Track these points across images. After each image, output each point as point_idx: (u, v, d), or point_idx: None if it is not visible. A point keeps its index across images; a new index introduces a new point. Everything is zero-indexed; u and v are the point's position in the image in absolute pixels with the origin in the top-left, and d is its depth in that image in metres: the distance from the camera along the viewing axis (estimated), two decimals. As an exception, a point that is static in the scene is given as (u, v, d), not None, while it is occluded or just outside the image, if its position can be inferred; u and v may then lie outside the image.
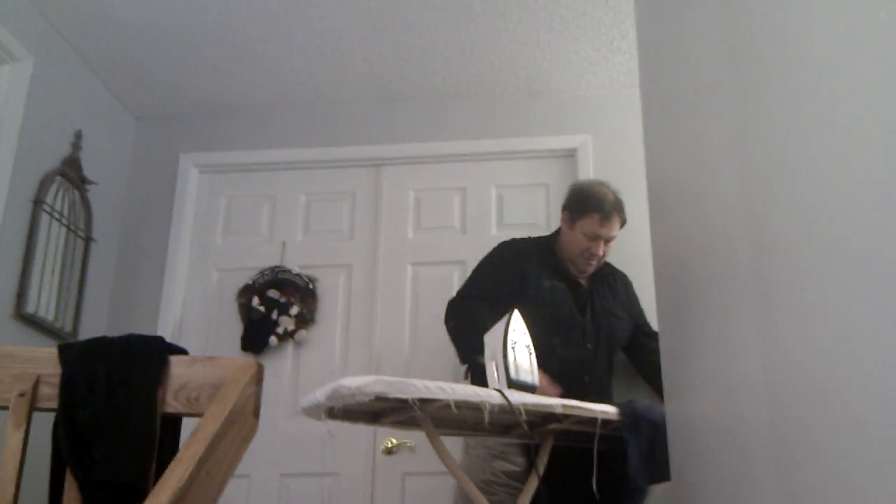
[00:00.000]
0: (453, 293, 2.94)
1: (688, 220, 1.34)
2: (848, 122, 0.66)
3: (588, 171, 3.01)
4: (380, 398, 1.55)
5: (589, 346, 2.36)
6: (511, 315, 1.88)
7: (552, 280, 2.39)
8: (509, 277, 2.37)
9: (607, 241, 2.42)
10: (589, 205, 2.42)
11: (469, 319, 2.26)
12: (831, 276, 0.70)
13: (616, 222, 2.42)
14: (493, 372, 1.83)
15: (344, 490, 2.79)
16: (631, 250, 2.56)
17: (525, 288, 2.35)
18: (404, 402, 1.57)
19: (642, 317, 2.58)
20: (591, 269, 2.45)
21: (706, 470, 1.21)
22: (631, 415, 1.94)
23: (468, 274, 2.91)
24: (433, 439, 1.70)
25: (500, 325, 1.87)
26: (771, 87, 0.88)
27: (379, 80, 3.14)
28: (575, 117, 3.16)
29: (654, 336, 2.46)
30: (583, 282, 2.48)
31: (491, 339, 1.89)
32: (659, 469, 1.82)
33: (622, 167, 2.93)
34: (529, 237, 2.59)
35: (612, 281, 2.54)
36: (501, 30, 2.82)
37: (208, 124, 3.35)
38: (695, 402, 1.30)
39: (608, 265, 2.57)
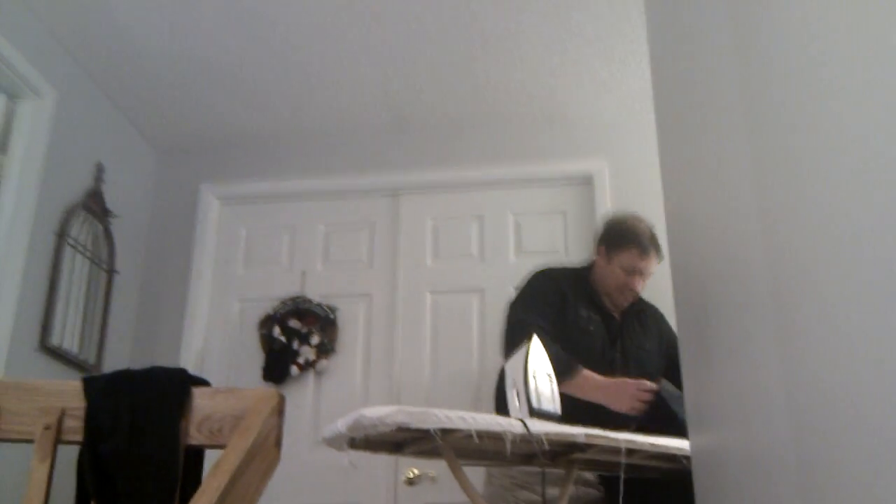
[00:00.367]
0: (473, 321, 2.93)
1: (706, 247, 1.33)
2: (869, 148, 0.66)
3: (605, 196, 3.02)
4: (401, 428, 1.55)
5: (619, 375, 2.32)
6: (530, 343, 1.87)
7: (588, 311, 2.39)
8: (552, 302, 2.36)
9: (644, 275, 2.42)
10: (627, 239, 2.42)
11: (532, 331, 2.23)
12: (853, 300, 0.69)
13: (654, 257, 2.42)
14: (514, 401, 1.82)
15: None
16: (652, 279, 2.54)
17: (564, 314, 2.34)
18: (426, 432, 1.56)
19: (675, 348, 2.54)
20: (626, 304, 2.45)
21: (730, 502, 1.19)
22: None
23: (487, 301, 2.90)
24: (455, 470, 1.68)
25: (520, 354, 1.86)
26: (786, 109, 0.88)
27: (396, 107, 3.17)
28: (591, 141, 3.17)
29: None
30: (615, 315, 2.47)
31: (511, 367, 1.88)
32: None
33: (639, 191, 2.93)
34: (564, 267, 2.58)
35: (642, 316, 2.53)
36: (516, 57, 2.84)
37: (228, 155, 3.40)
38: (718, 433, 1.28)
39: (640, 299, 2.55)
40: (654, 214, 2.39)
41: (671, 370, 2.46)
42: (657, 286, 2.42)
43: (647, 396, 2.13)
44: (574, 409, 2.04)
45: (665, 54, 1.69)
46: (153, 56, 2.84)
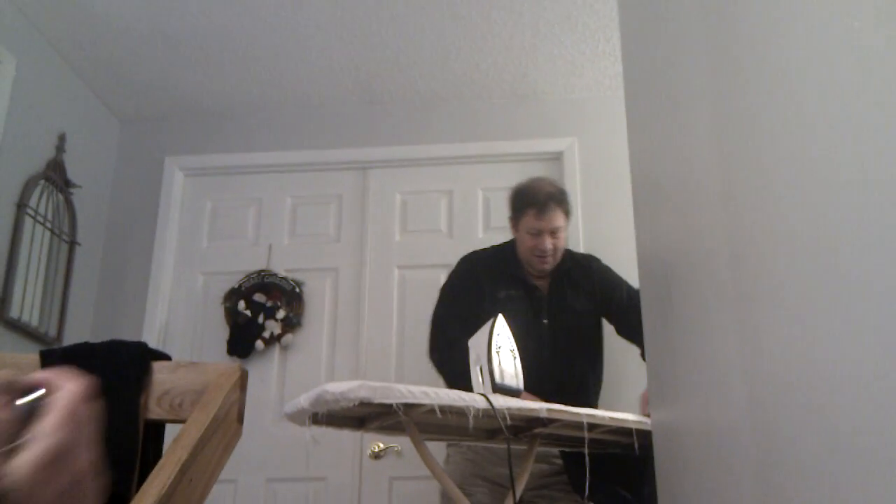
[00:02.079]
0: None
1: (671, 224, 1.33)
2: (830, 127, 0.67)
3: (574, 174, 3.03)
4: (364, 403, 1.55)
5: (546, 353, 2.31)
6: (495, 320, 1.88)
7: (507, 290, 2.35)
8: (468, 295, 2.34)
9: (552, 233, 2.34)
10: (524, 201, 2.37)
11: (455, 357, 2.14)
12: (809, 284, 0.71)
13: (556, 213, 2.34)
14: (477, 376, 1.83)
15: (331, 494, 2.79)
16: (618, 254, 2.56)
17: (482, 302, 2.31)
18: (389, 407, 1.57)
19: (613, 295, 2.47)
20: (547, 267, 2.38)
21: (689, 476, 1.20)
22: None
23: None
24: (418, 444, 1.70)
25: (484, 330, 1.87)
26: (751, 89, 0.89)
27: (365, 82, 3.14)
28: (561, 120, 3.17)
29: (626, 315, 2.41)
30: (541, 284, 2.42)
31: (475, 343, 1.89)
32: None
33: (609, 170, 2.94)
34: (491, 246, 2.55)
35: (573, 273, 2.46)
36: (487, 33, 2.82)
37: (194, 127, 3.34)
38: (678, 408, 1.30)
39: (569, 256, 2.48)
40: (623, 192, 2.39)
41: (618, 314, 2.44)
42: (626, 259, 2.44)
43: None
44: (537, 385, 2.06)
45: (636, 33, 1.69)
46: (118, 26, 2.77)
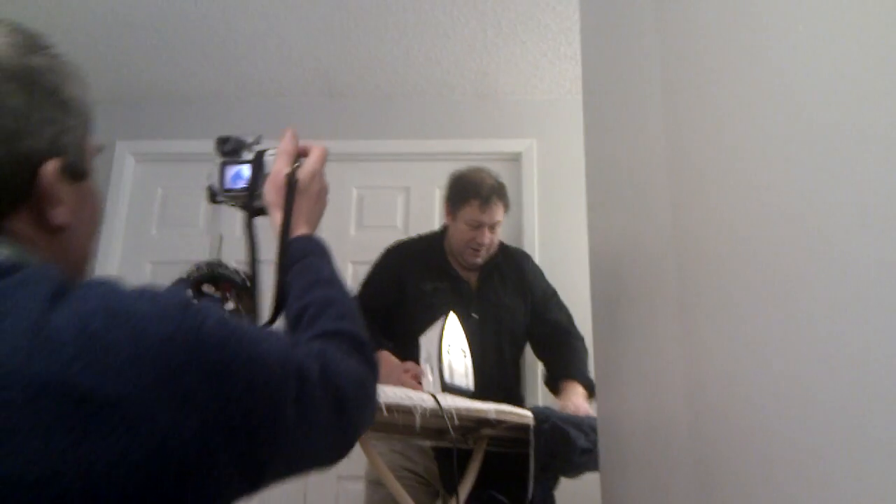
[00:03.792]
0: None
1: (623, 227, 1.35)
2: (773, 134, 0.68)
3: (532, 175, 3.03)
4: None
5: (476, 350, 2.16)
6: (447, 318, 1.86)
7: (434, 282, 2.29)
8: (387, 286, 2.29)
9: (491, 227, 2.31)
10: (467, 192, 2.30)
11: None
12: (749, 292, 0.73)
13: (498, 207, 2.30)
14: (427, 375, 1.81)
15: (275, 493, 2.73)
16: (574, 256, 2.57)
17: (404, 293, 2.26)
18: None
19: (540, 296, 2.43)
20: (479, 260, 2.34)
21: (631, 466, 1.23)
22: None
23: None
24: (364, 443, 1.67)
25: (436, 328, 1.85)
26: (702, 95, 0.89)
27: (325, 74, 3.10)
28: (521, 121, 3.17)
29: (580, 339, 2.39)
30: (470, 278, 2.37)
31: (426, 342, 1.87)
32: (558, 465, 1.82)
33: (567, 172, 2.95)
34: (419, 236, 2.49)
35: (503, 268, 2.41)
36: (449, 30, 2.80)
37: (147, 112, 3.26)
38: (623, 400, 1.32)
39: (501, 250, 2.44)
40: (580, 194, 2.38)
41: (537, 321, 2.38)
42: (579, 262, 2.44)
43: (412, 379, 1.97)
44: (487, 386, 2.04)
45: (595, 37, 1.69)
46: (72, 7, 2.68)
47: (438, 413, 1.63)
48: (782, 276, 0.63)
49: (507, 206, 2.35)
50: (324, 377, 0.73)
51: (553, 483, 2.01)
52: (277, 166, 1.04)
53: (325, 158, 1.09)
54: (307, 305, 0.91)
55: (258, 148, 1.08)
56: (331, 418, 0.74)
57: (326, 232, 3.23)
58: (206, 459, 0.56)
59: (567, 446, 1.80)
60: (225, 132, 3.47)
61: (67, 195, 0.72)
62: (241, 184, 1.06)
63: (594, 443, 1.78)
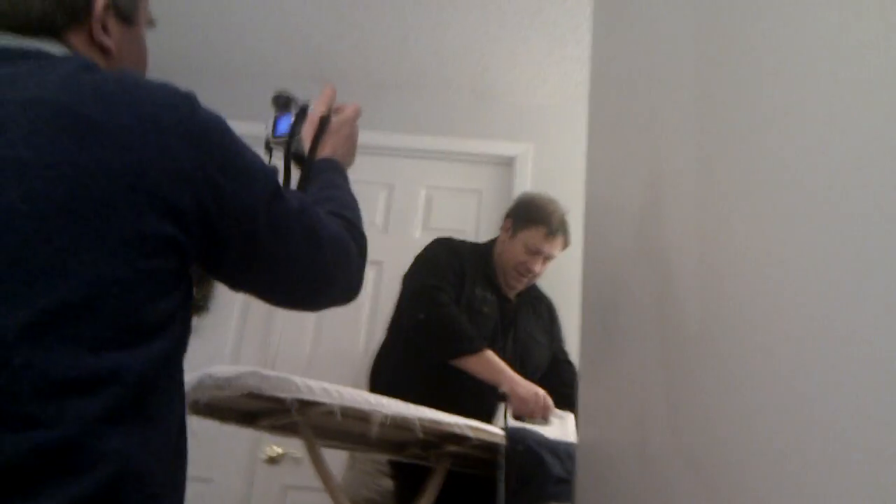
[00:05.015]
0: (365, 295, 2.73)
1: (622, 247, 1.26)
2: (818, 153, 0.62)
3: (525, 183, 2.84)
4: (253, 395, 1.31)
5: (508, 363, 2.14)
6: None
7: (484, 290, 2.18)
8: (453, 274, 2.14)
9: (546, 259, 2.24)
10: (537, 216, 2.23)
11: (447, 311, 2.02)
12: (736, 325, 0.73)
13: (560, 242, 2.24)
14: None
15: (216, 498, 2.50)
16: (562, 269, 2.38)
17: (462, 289, 2.13)
18: (282, 402, 1.33)
19: (561, 344, 2.38)
20: (521, 286, 2.25)
21: (617, 496, 1.13)
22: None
23: (384, 276, 2.70)
24: (311, 449, 1.46)
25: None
26: (740, 111, 0.80)
27: (314, 55, 2.91)
28: (518, 122, 2.98)
29: (569, 366, 2.29)
30: (511, 299, 2.28)
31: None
32: (529, 494, 1.64)
33: (562, 182, 2.75)
34: (465, 241, 2.36)
35: (537, 304, 2.35)
36: (450, 19, 2.62)
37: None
38: (607, 427, 1.24)
39: (536, 287, 2.38)
40: (574, 206, 2.23)
41: (556, 369, 2.31)
42: (564, 277, 2.27)
43: (549, 409, 1.96)
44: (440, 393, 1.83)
45: (609, 36, 1.56)
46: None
47: (401, 423, 1.43)
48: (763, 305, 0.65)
49: (567, 244, 2.28)
50: (301, 210, 0.91)
51: None
52: (314, 111, 1.26)
53: (358, 112, 1.33)
54: (316, 200, 1.04)
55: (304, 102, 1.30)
56: (303, 246, 0.90)
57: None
58: (173, 188, 0.74)
59: (541, 473, 1.60)
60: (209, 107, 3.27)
61: (115, 29, 0.92)
62: (286, 130, 1.26)
63: (570, 472, 1.58)
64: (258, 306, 2.75)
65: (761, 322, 0.69)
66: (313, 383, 1.34)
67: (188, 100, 0.81)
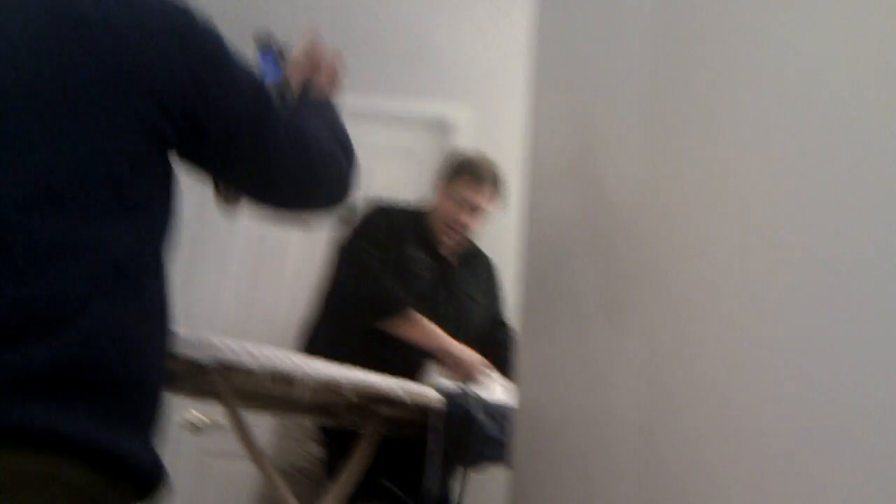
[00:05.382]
0: (291, 257, 2.64)
1: (568, 200, 1.25)
2: (751, 113, 0.65)
3: (463, 144, 2.76)
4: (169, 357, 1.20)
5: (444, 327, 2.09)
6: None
7: (417, 251, 2.12)
8: (388, 239, 2.08)
9: (475, 210, 2.17)
10: (463, 168, 2.19)
11: (373, 273, 1.97)
12: (702, 291, 0.71)
13: (489, 193, 2.18)
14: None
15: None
16: (500, 228, 2.34)
17: (399, 254, 2.07)
18: (200, 365, 1.23)
19: (499, 306, 2.35)
20: (453, 242, 2.19)
21: (559, 459, 1.12)
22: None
23: (313, 238, 2.62)
24: (232, 414, 1.37)
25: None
26: (687, 69, 0.81)
27: (241, 11, 2.75)
28: (457, 85, 2.90)
29: (506, 329, 2.25)
30: (451, 260, 2.22)
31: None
32: (462, 456, 1.60)
33: (501, 144, 2.69)
34: (399, 203, 2.30)
35: (475, 263, 2.30)
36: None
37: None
38: (548, 389, 1.22)
39: (475, 246, 2.32)
40: (513, 167, 2.17)
41: (491, 331, 2.28)
42: (502, 238, 2.23)
43: (480, 370, 1.92)
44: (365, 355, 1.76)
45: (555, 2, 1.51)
46: None
47: (329, 386, 1.35)
48: (758, 272, 0.61)
49: (498, 197, 2.23)
50: (289, 117, 0.96)
51: (450, 473, 1.76)
52: (298, 50, 1.24)
53: (341, 58, 1.28)
54: (306, 116, 1.06)
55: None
56: (288, 150, 0.95)
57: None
58: (164, 86, 0.81)
59: (473, 433, 1.56)
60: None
61: None
62: (277, 76, 1.24)
63: (505, 433, 1.55)
64: (178, 266, 2.61)
65: (709, 274, 0.69)
66: (235, 344, 1.25)
67: (186, 11, 0.87)
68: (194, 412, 2.41)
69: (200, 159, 0.92)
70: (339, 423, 1.68)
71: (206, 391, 1.43)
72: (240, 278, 2.65)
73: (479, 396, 1.68)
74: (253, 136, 0.91)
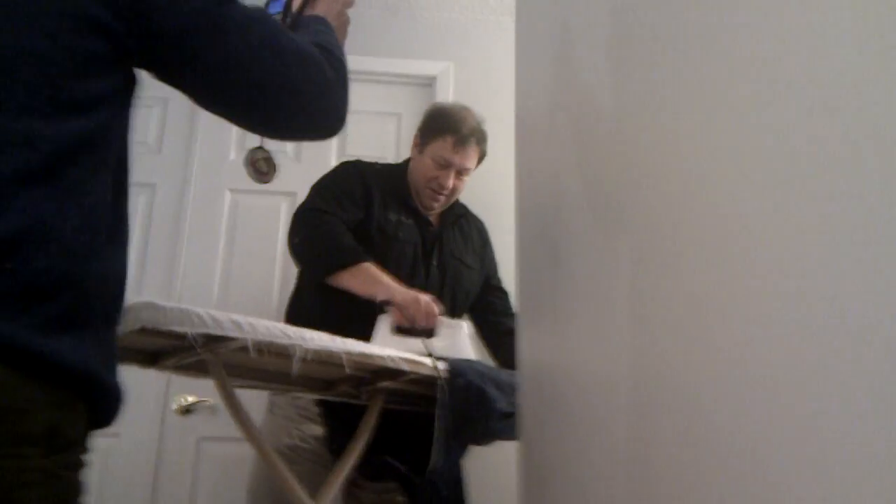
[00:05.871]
0: (279, 227, 2.55)
1: (560, 159, 1.21)
2: (738, 68, 0.63)
3: (446, 101, 2.65)
4: (147, 330, 1.11)
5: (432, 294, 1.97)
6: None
7: (399, 214, 1.98)
8: (354, 199, 1.93)
9: (460, 172, 2.03)
10: (444, 125, 2.02)
11: (325, 228, 1.82)
12: (707, 264, 0.67)
13: (473, 152, 2.03)
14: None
15: (125, 454, 2.29)
16: (488, 186, 2.23)
17: (370, 215, 1.93)
18: (184, 338, 1.14)
19: (494, 270, 2.22)
20: (437, 206, 2.05)
21: (558, 420, 1.11)
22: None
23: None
24: (223, 389, 1.28)
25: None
26: (652, 29, 0.81)
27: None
28: (438, 41, 2.78)
29: (503, 294, 2.15)
30: (433, 221, 2.09)
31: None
32: (471, 431, 1.51)
33: (486, 100, 2.57)
34: (376, 162, 2.17)
35: (465, 225, 2.16)
36: (362, -79, 2.37)
37: None
38: (556, 352, 1.18)
39: (463, 206, 2.19)
40: (499, 125, 2.07)
41: (486, 297, 2.17)
42: (494, 197, 2.13)
43: (435, 317, 1.73)
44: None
45: None
46: None
47: (323, 357, 1.26)
48: (748, 241, 0.60)
49: (482, 156, 2.08)
50: (263, 19, 0.91)
51: (461, 451, 1.67)
52: None
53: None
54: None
55: None
56: (258, 51, 0.88)
57: (201, 152, 2.74)
58: None
59: (485, 408, 1.47)
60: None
61: None
62: (280, 7, 1.18)
63: (515, 405, 1.45)
64: (161, 240, 2.50)
65: (725, 226, 0.65)
66: (220, 315, 1.15)
67: None
68: (186, 396, 2.31)
69: (166, 69, 0.87)
70: (339, 397, 1.59)
71: (194, 367, 1.33)
72: (228, 255, 2.54)
73: (487, 367, 1.59)
74: (212, 29, 0.84)
